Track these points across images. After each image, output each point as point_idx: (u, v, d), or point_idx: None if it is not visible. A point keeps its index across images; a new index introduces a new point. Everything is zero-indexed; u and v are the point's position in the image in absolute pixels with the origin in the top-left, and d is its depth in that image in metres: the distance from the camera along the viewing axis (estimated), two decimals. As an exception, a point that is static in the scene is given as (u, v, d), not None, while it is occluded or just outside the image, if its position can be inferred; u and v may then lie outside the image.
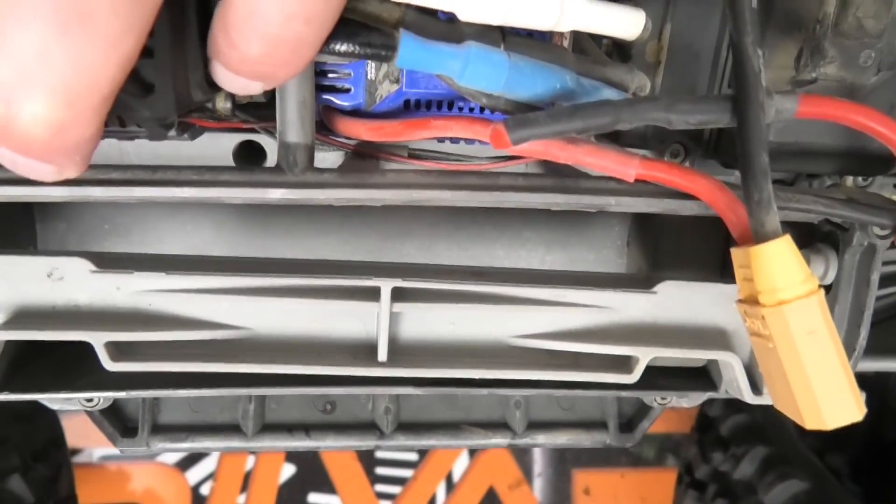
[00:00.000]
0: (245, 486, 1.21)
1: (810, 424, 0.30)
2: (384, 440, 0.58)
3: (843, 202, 0.40)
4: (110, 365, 0.43)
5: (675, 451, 1.27)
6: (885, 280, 0.59)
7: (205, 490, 1.21)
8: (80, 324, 0.43)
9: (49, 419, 0.80)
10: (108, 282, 0.43)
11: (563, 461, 1.28)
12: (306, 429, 0.57)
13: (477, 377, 0.45)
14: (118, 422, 0.56)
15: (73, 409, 0.53)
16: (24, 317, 0.43)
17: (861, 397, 0.30)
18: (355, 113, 0.45)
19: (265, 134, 0.51)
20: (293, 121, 0.40)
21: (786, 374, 0.31)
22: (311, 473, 1.23)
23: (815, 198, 0.40)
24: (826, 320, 0.30)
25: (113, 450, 1.22)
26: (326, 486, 1.22)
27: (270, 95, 0.42)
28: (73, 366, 0.50)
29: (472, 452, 1.27)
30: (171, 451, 0.54)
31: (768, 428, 0.81)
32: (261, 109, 0.44)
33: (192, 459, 1.22)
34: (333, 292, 0.44)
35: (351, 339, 0.46)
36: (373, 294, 0.44)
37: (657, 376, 0.52)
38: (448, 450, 1.27)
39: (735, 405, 0.86)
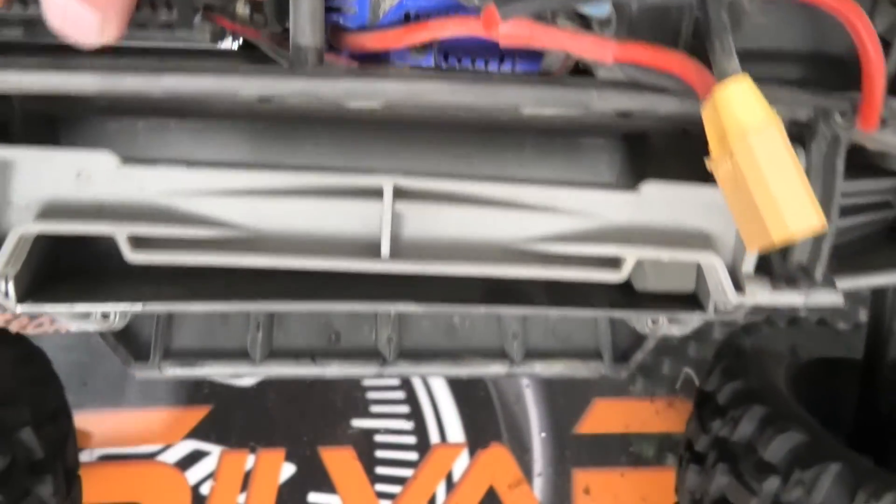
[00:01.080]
0: (245, 486, 1.21)
1: (776, 234, 0.33)
2: (387, 367, 0.60)
3: (806, 92, 0.44)
4: (131, 256, 0.45)
5: (675, 451, 1.28)
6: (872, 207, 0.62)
7: (205, 490, 1.20)
8: (104, 218, 0.46)
9: (59, 389, 0.81)
10: (133, 178, 0.46)
11: (563, 460, 1.28)
12: (312, 356, 0.59)
13: (475, 273, 0.48)
14: (132, 347, 0.58)
15: (90, 328, 0.55)
16: (52, 212, 0.46)
17: (819, 208, 0.33)
18: (360, 29, 0.49)
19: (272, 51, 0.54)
20: (304, 25, 0.44)
21: (753, 199, 0.34)
22: (311, 473, 1.23)
23: (779, 88, 0.44)
24: (786, 145, 0.34)
25: (113, 449, 1.23)
26: (326, 486, 1.22)
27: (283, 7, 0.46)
28: (92, 284, 0.52)
29: (473, 452, 1.27)
30: (181, 378, 0.55)
31: (765, 390, 0.83)
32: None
33: (192, 459, 1.22)
34: (339, 192, 0.48)
35: (357, 239, 0.49)
36: (376, 193, 0.47)
37: (648, 300, 0.55)
38: (447, 446, 1.27)
39: (731, 373, 0.87)
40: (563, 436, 1.30)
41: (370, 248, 0.48)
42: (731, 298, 0.49)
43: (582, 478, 1.27)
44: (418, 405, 1.30)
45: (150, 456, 1.21)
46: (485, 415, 1.30)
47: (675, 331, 0.60)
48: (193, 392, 1.26)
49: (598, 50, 0.47)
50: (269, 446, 1.23)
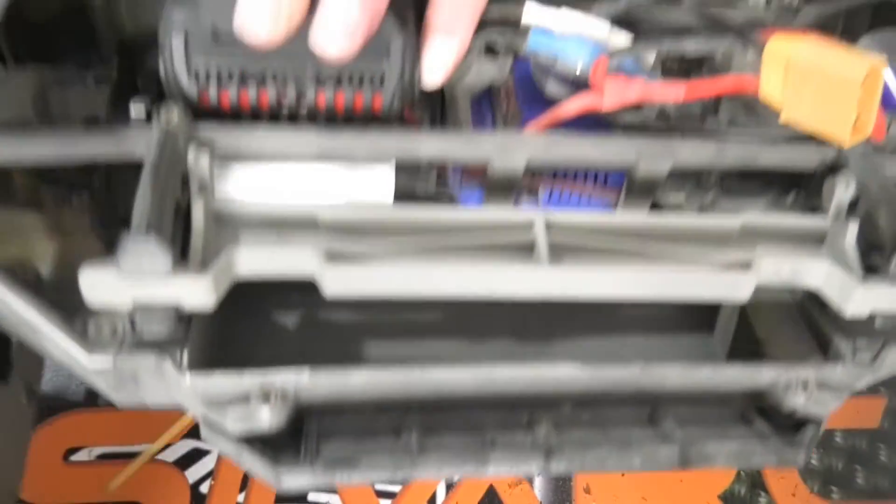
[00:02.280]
0: (244, 485, 1.19)
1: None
2: (551, 462, 0.48)
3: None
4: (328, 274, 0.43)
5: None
6: None
7: (204, 488, 1.18)
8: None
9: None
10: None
11: (564, 460, 1.29)
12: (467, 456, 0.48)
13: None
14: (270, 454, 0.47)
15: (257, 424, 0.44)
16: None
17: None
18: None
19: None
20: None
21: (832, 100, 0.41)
22: (313, 472, 1.22)
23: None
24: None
25: (112, 448, 1.20)
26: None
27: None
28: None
29: (474, 451, 1.27)
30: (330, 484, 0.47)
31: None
32: None
33: (192, 457, 1.20)
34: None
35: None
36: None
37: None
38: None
39: None
40: (563, 435, 1.30)
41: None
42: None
43: (582, 476, 1.28)
44: (420, 404, 1.29)
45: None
46: (486, 414, 1.30)
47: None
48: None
49: (673, 92, 0.48)
50: (269, 445, 1.22)
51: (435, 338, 0.59)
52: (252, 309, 0.56)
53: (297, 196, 0.49)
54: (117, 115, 0.57)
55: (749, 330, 0.58)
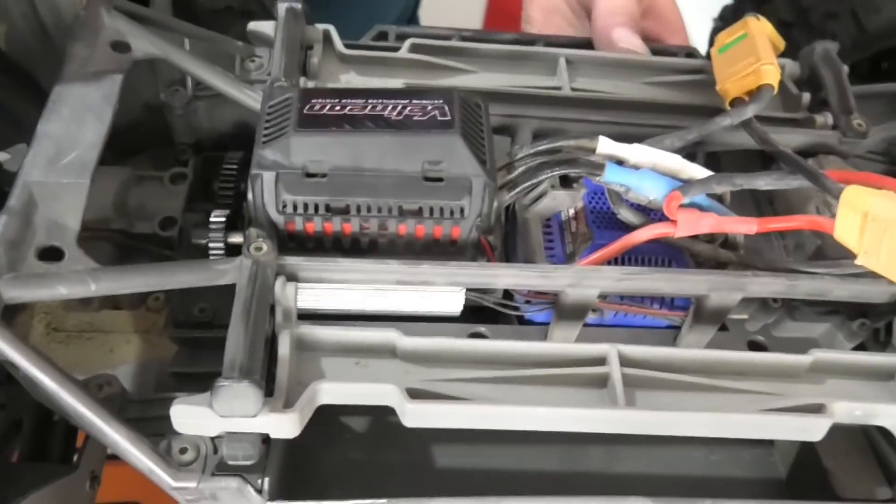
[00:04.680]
0: None
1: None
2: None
3: None
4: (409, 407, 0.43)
5: None
6: None
7: None
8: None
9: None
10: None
11: None
12: None
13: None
14: None
15: None
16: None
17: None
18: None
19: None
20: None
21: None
22: None
23: None
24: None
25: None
26: None
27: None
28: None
29: None
30: None
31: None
32: None
33: None
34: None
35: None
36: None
37: None
38: None
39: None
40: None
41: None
42: None
43: None
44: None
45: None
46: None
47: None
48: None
49: (745, 226, 0.48)
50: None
51: (494, 440, 0.60)
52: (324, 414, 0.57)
53: (371, 307, 0.50)
54: (192, 217, 0.59)
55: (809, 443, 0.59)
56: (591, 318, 0.54)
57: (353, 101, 0.47)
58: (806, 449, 0.58)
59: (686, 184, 0.49)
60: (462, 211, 0.47)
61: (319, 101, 0.47)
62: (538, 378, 0.47)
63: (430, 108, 0.47)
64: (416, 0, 1.22)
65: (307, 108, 0.46)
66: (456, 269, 0.47)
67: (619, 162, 0.51)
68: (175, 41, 0.57)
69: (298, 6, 0.57)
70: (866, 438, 0.55)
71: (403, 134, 0.45)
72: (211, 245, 0.49)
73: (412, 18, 1.22)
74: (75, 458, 0.58)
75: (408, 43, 0.61)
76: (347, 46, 0.60)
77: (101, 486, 0.81)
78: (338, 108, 0.46)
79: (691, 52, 0.69)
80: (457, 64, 0.61)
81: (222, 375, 0.40)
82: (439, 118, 0.46)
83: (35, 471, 0.54)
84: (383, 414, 0.53)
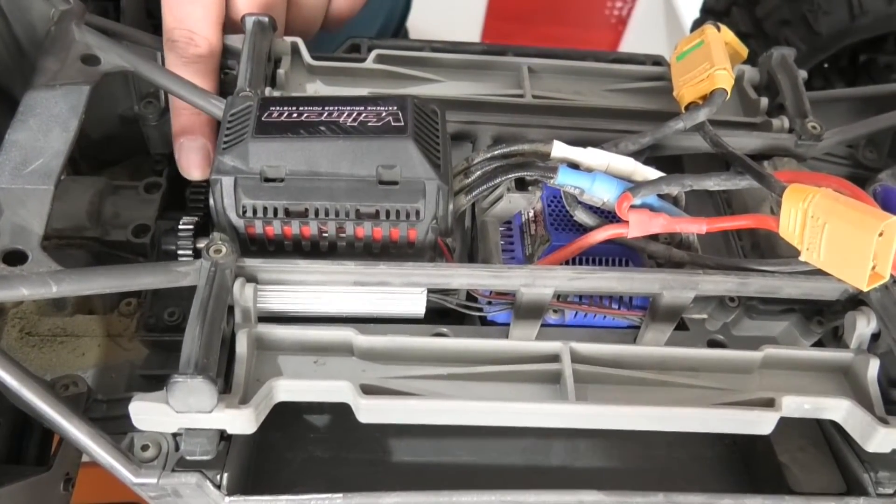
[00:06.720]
0: None
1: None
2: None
3: None
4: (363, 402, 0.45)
5: None
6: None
7: None
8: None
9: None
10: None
11: None
12: None
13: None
14: None
15: None
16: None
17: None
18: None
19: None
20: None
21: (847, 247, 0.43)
22: None
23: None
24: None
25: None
26: None
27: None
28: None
29: None
30: None
31: None
32: None
33: None
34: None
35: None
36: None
37: None
38: None
39: None
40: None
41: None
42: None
43: None
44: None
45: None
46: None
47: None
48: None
49: (695, 226, 0.50)
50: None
51: (458, 436, 0.60)
52: (291, 413, 0.58)
53: (333, 308, 0.51)
54: (164, 224, 0.61)
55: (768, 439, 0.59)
56: (552, 318, 0.55)
57: (310, 108, 0.48)
58: (763, 445, 0.58)
59: (637, 185, 0.51)
60: (417, 213, 0.48)
61: (277, 108, 0.48)
62: (492, 375, 0.48)
63: (384, 114, 0.48)
64: (404, 11, 1.23)
65: (265, 115, 0.48)
66: (411, 269, 0.48)
67: (574, 165, 0.52)
68: (146, 55, 0.59)
69: (266, 19, 0.59)
70: (822, 434, 0.55)
71: (357, 139, 0.47)
72: (180, 250, 0.51)
73: (399, 28, 1.23)
74: (53, 462, 0.59)
75: (373, 54, 0.63)
76: (315, 58, 0.62)
77: (101, 486, 0.80)
78: (295, 115, 0.48)
79: (658, 61, 0.71)
80: (422, 73, 0.63)
81: (178, 371, 0.41)
82: (393, 123, 0.48)
83: (8, 472, 0.55)
84: (350, 413, 0.54)
